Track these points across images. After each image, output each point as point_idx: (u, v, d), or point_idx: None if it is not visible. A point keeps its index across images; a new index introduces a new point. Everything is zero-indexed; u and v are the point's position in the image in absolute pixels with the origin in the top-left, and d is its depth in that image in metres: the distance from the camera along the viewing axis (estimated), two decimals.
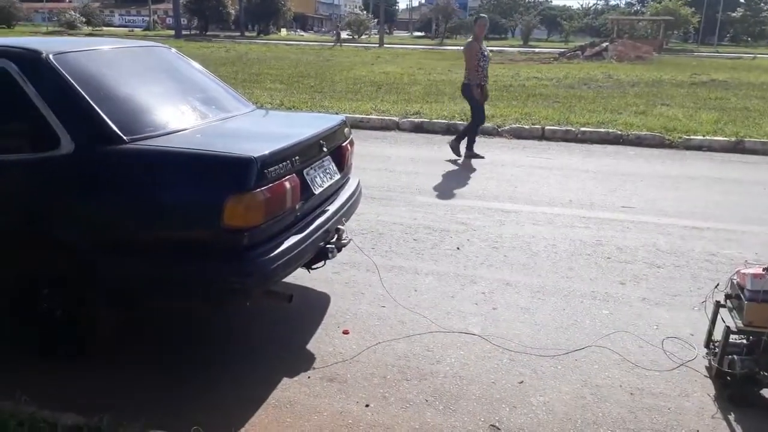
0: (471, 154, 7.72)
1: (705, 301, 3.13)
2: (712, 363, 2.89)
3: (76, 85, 2.73)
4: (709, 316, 3.02)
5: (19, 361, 2.89)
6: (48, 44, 3.00)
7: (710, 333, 3.01)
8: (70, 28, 44.46)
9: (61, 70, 2.76)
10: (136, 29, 54.09)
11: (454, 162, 7.60)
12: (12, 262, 2.82)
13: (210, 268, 2.59)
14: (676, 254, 4.56)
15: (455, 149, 7.74)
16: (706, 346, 3.03)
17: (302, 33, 64.04)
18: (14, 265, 2.83)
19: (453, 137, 7.97)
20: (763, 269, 2.72)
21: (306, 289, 3.80)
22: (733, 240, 4.88)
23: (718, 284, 3.07)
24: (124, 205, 2.60)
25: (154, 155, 2.67)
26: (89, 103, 2.70)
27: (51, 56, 2.80)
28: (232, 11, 52.17)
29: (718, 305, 2.97)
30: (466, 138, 7.75)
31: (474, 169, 7.24)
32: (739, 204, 5.93)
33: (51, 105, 2.68)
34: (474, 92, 7.50)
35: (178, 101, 3.28)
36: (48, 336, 2.88)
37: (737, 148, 8.56)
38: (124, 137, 2.66)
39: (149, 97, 3.15)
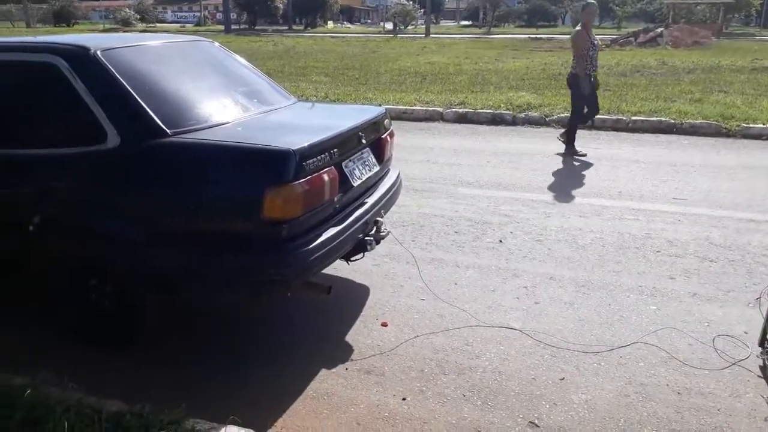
0: (572, 152, 7.25)
1: (760, 297, 3.00)
2: (767, 363, 2.76)
3: (122, 80, 2.80)
4: (764, 313, 2.88)
5: (66, 351, 2.99)
6: (96, 40, 3.08)
7: (765, 331, 2.87)
8: (125, 25, 45.81)
9: (108, 65, 2.84)
10: (187, 25, 55.33)
11: (576, 158, 7.20)
12: (59, 253, 2.93)
13: (249, 259, 2.62)
14: (730, 248, 4.36)
15: (573, 151, 7.26)
16: (761, 344, 2.89)
17: (349, 25, 64.17)
18: (62, 256, 2.93)
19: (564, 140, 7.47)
20: None
21: (345, 281, 3.81)
22: None
23: None
24: (166, 197, 2.66)
25: (196, 148, 2.71)
26: (135, 97, 2.77)
27: (99, 52, 2.88)
28: (280, 5, 52.70)
29: None
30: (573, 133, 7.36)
31: (518, 161, 7.11)
32: None
33: (98, 100, 2.76)
34: (581, 83, 7.15)
35: (220, 95, 3.33)
36: (93, 326, 2.99)
37: None
38: (168, 130, 2.72)
39: (192, 91, 3.21)
